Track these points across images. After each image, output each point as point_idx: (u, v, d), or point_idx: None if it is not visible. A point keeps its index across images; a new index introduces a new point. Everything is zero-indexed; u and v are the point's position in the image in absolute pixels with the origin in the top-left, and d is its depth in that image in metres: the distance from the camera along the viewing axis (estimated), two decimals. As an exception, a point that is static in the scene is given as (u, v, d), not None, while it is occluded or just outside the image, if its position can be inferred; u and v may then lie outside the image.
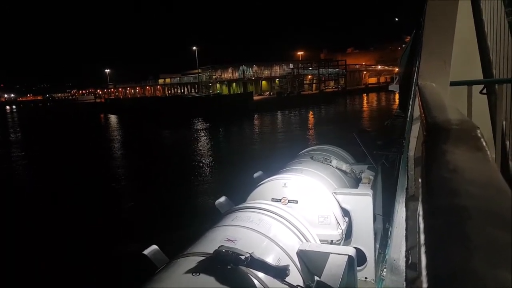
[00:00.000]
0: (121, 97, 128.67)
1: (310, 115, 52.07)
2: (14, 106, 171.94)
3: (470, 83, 2.70)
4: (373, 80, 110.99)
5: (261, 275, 2.88)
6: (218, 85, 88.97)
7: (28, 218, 14.56)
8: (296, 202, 4.69)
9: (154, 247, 3.31)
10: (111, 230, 12.94)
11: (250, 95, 67.98)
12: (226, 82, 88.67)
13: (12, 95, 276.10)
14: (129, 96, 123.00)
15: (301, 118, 49.83)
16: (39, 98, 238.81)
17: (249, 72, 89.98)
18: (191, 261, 2.87)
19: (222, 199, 4.79)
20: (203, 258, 2.90)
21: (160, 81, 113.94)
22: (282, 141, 30.04)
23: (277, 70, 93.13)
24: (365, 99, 76.38)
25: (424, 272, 0.46)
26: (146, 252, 3.26)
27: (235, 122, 46.65)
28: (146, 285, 2.70)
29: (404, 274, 1.49)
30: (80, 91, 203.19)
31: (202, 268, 2.75)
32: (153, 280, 2.77)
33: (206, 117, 51.26)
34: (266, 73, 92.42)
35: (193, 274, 2.69)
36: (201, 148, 30.30)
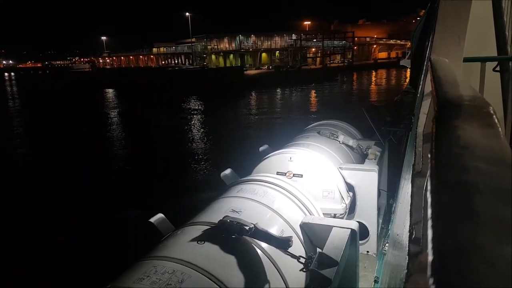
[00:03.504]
0: (115, 66, 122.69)
1: (292, 97, 45.09)
2: (13, 73, 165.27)
3: (483, 60, 2.64)
4: (383, 54, 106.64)
5: (264, 245, 2.95)
6: (213, 56, 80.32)
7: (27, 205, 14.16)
8: (301, 176, 4.73)
9: (160, 215, 3.37)
10: (116, 200, 13.18)
11: (240, 70, 58.85)
12: (222, 54, 79.57)
13: (10, 61, 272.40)
14: (123, 66, 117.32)
15: (279, 102, 41.16)
16: (38, 65, 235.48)
17: (247, 42, 79.29)
18: (197, 230, 2.94)
19: (228, 171, 4.81)
20: (208, 227, 2.96)
21: (154, 50, 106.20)
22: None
23: (278, 41, 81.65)
24: (373, 77, 68.49)
25: (430, 245, 0.46)
26: (152, 220, 3.32)
27: (204, 106, 36.88)
28: (153, 252, 2.77)
29: (406, 249, 1.51)
30: (82, 59, 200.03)
31: (207, 236, 2.82)
32: (159, 247, 2.85)
33: (171, 100, 41.89)
34: (266, 44, 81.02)
35: (198, 242, 2.76)
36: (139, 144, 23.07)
